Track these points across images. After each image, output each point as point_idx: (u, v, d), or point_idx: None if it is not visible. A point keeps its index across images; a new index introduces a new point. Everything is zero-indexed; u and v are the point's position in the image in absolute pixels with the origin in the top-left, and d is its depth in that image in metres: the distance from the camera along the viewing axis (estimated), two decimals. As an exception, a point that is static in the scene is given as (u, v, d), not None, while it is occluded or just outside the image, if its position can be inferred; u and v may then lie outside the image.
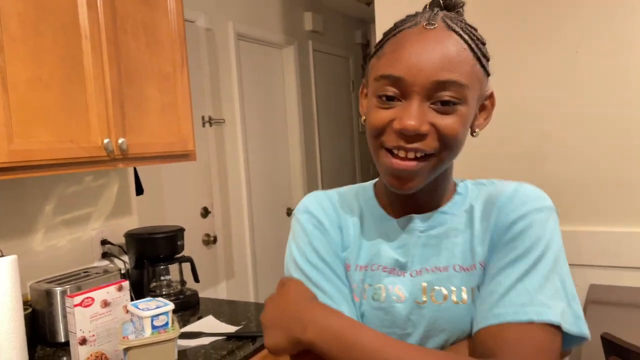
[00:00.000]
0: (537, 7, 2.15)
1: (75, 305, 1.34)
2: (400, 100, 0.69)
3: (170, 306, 1.32)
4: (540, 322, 0.63)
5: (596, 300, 1.90)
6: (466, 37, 0.70)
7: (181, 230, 1.91)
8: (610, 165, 2.07)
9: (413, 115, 0.67)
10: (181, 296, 1.87)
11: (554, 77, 2.14)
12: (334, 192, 0.85)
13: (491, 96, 0.77)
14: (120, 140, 1.56)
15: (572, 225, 2.13)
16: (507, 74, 2.21)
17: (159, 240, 1.86)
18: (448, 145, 0.69)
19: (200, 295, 2.00)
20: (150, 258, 1.86)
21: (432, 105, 0.68)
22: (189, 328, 1.66)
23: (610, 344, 1.20)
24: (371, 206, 0.81)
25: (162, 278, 1.89)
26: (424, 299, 0.73)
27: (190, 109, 1.85)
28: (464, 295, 0.71)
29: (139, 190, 2.07)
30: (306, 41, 3.72)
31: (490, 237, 0.72)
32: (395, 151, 0.69)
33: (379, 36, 2.45)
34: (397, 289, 0.74)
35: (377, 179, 0.85)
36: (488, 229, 0.72)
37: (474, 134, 0.76)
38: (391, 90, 0.69)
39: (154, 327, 1.29)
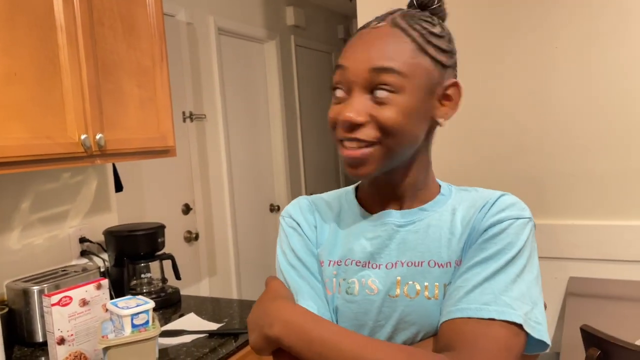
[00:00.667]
0: (516, 1, 2.16)
1: (53, 305, 1.32)
2: (348, 96, 0.73)
3: (151, 304, 1.30)
4: (502, 320, 0.64)
5: (575, 293, 1.92)
6: (412, 31, 0.73)
7: (162, 227, 1.88)
8: (589, 159, 2.09)
9: (351, 107, 0.71)
10: (162, 294, 1.84)
11: (532, 72, 2.16)
12: (316, 196, 0.89)
13: (454, 85, 0.78)
14: (98, 136, 1.53)
15: (551, 218, 2.15)
16: (486, 68, 2.22)
17: (139, 238, 1.83)
18: (390, 134, 0.71)
19: (182, 292, 1.98)
20: (130, 256, 1.83)
21: (371, 97, 0.72)
22: (170, 326, 1.64)
23: (589, 336, 1.21)
24: (352, 205, 0.84)
25: (142, 276, 1.86)
26: (397, 292, 0.75)
27: (170, 104, 1.83)
28: (436, 291, 0.73)
29: (118, 187, 2.04)
30: (288, 36, 3.69)
31: (466, 238, 0.74)
32: (343, 142, 0.74)
33: (361, 31, 2.45)
34: (371, 281, 0.76)
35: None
36: (466, 230, 0.75)
37: (439, 124, 0.77)
38: (339, 82, 0.74)
39: (134, 325, 1.26)
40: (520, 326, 0.65)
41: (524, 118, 2.18)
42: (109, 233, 1.85)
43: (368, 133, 0.71)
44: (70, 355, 1.34)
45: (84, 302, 1.37)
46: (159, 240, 1.87)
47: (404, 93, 0.71)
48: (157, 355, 1.30)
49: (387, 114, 0.71)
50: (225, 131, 3.01)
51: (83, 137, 1.48)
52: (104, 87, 1.59)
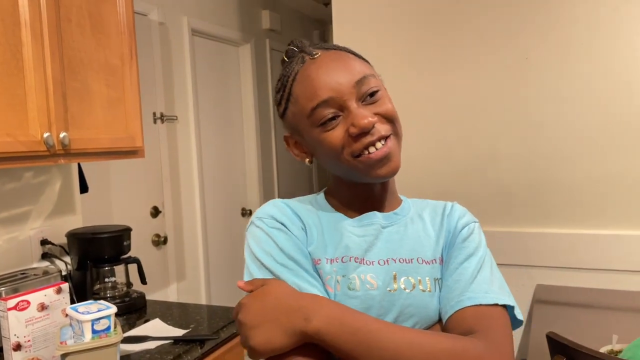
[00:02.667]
0: (489, 12, 2.19)
1: (9, 309, 1.26)
2: (340, 116, 0.79)
3: (113, 309, 1.26)
4: (502, 304, 0.77)
5: (542, 300, 1.95)
6: (344, 50, 0.85)
7: (127, 230, 1.83)
8: (558, 169, 2.13)
9: (360, 115, 0.77)
10: (127, 299, 1.79)
11: (504, 82, 2.19)
12: (290, 200, 0.90)
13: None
14: (61, 135, 1.48)
15: (520, 226, 2.18)
16: (458, 78, 2.24)
17: (104, 241, 1.78)
18: (395, 121, 0.82)
19: (150, 297, 1.93)
20: (94, 259, 1.78)
21: (364, 103, 0.79)
22: (134, 332, 1.60)
23: (555, 343, 1.22)
24: (327, 209, 0.88)
25: (106, 280, 1.81)
26: (395, 286, 0.80)
27: (139, 104, 1.78)
28: (429, 285, 0.81)
29: (84, 188, 1.98)
30: (263, 40, 3.67)
31: (444, 239, 0.85)
32: (368, 149, 0.78)
33: (336, 36, 2.44)
34: (370, 277, 0.79)
35: (324, 189, 0.93)
36: (441, 233, 0.85)
37: None
38: (331, 112, 0.78)
39: (94, 331, 1.22)
40: (506, 307, 0.77)
41: (495, 127, 2.21)
42: (72, 235, 1.80)
43: (383, 128, 0.79)
44: (26, 362, 1.29)
45: (43, 307, 1.32)
46: (125, 243, 1.82)
47: (382, 89, 0.82)
48: (118, 362, 1.26)
49: (385, 106, 0.81)
50: (197, 133, 2.96)
51: (46, 135, 1.43)
52: (70, 85, 1.54)
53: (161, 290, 2.70)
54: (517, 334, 2.15)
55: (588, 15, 2.05)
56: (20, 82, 1.40)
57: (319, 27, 4.52)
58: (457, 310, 0.76)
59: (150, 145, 2.56)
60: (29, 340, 1.29)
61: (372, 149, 0.78)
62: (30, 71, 1.42)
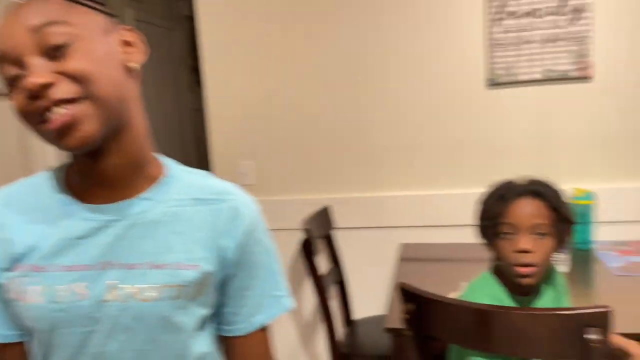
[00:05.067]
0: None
1: None
2: (24, 74, 0.64)
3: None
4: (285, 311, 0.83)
5: (406, 257, 2.07)
6: None
7: None
8: (413, 133, 2.25)
9: (33, 72, 0.63)
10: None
11: (360, 54, 2.23)
12: (10, 189, 0.76)
13: (131, 30, 0.72)
14: None
15: (380, 190, 2.28)
16: (314, 48, 2.25)
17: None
18: (90, 81, 0.64)
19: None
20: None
21: (50, 59, 0.64)
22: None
23: (407, 293, 1.30)
24: (58, 193, 0.74)
25: None
26: (108, 297, 0.70)
27: None
28: (151, 293, 0.70)
29: None
30: (125, 10, 3.45)
31: (212, 247, 0.75)
32: (47, 116, 0.64)
33: (203, 8, 2.34)
34: (81, 286, 0.70)
35: (70, 161, 0.77)
36: (203, 237, 0.74)
37: (134, 69, 0.72)
38: (13, 70, 0.64)
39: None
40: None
41: (354, 96, 2.26)
42: None
43: (66, 89, 0.64)
44: None
45: None
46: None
47: (79, 39, 0.65)
48: None
49: (74, 63, 0.64)
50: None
51: None
52: None
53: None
54: (384, 292, 2.27)
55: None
56: None
57: (187, -2, 4.33)
58: (243, 335, 0.81)
59: None
60: None
61: (49, 116, 0.64)
62: None
